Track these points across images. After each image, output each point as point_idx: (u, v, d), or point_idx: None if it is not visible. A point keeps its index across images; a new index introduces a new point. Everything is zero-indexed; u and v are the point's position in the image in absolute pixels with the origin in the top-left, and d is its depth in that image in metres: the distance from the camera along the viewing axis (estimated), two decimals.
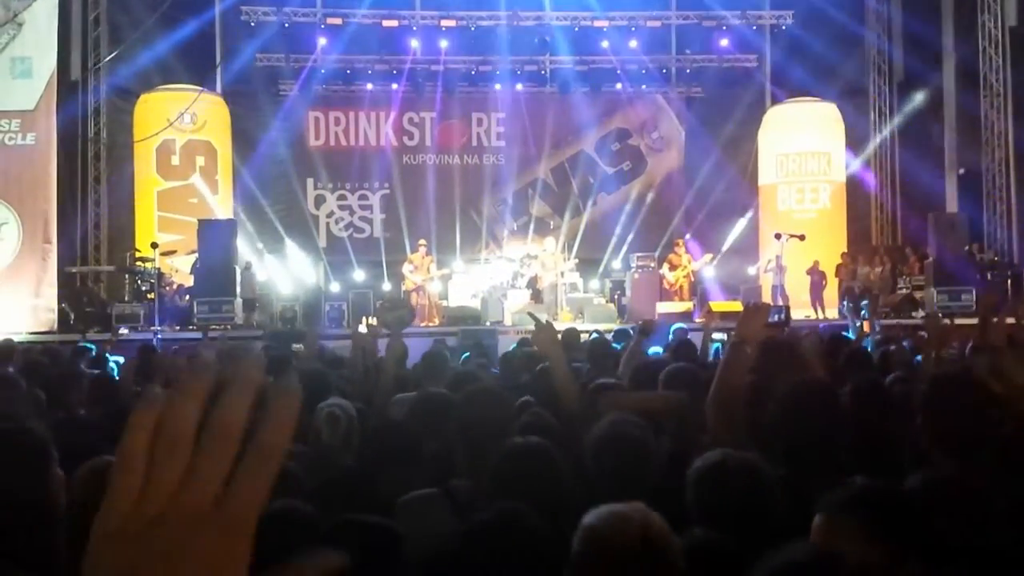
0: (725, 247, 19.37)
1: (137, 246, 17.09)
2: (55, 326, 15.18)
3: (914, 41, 19.92)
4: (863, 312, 14.23)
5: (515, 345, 8.02)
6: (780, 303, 15.22)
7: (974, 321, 6.99)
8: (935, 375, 2.93)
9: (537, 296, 17.11)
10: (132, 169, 18.35)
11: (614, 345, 7.29)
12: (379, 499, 3.20)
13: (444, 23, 20.08)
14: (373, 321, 15.07)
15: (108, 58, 18.88)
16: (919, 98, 19.69)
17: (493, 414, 3.37)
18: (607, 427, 3.02)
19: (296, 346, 7.39)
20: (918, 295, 16.35)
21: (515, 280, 17.67)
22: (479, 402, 3.45)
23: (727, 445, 3.02)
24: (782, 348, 4.70)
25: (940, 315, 8.85)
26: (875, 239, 20.81)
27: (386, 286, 18.93)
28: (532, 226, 21.21)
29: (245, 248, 17.80)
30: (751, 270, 19.09)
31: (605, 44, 20.49)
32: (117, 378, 6.18)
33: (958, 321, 9.90)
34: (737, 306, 13.79)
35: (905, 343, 6.43)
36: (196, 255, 15.84)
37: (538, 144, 21.24)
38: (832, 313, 16.45)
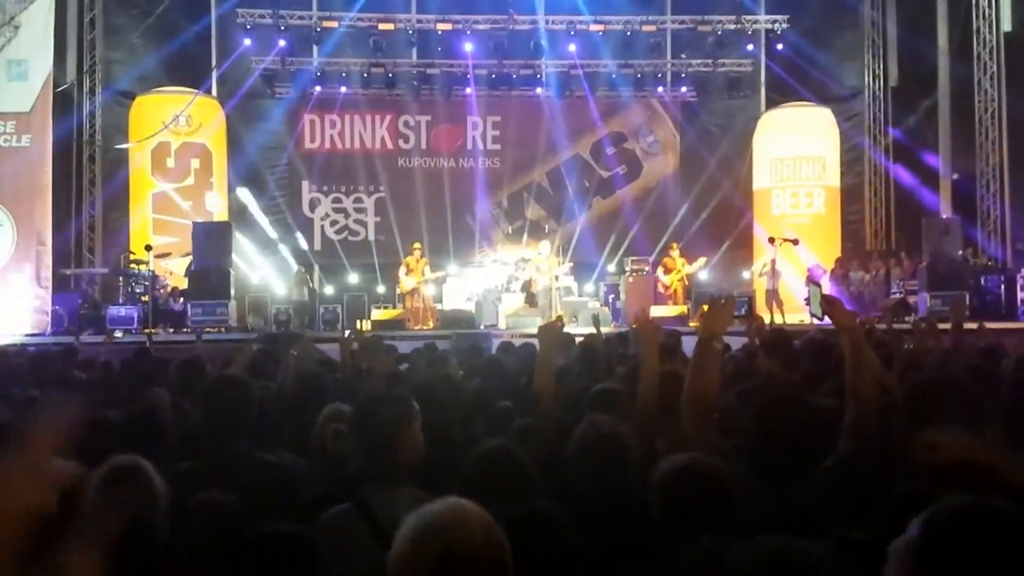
0: (719, 251, 19.40)
1: (131, 248, 17.10)
2: (49, 328, 15.17)
3: (909, 46, 19.98)
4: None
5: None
6: (753, 300, 15.27)
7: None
8: (916, 380, 2.94)
9: (532, 299, 17.12)
10: (127, 171, 18.37)
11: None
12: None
13: (440, 27, 20.08)
14: (367, 326, 15.09)
15: (104, 61, 18.89)
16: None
17: (446, 404, 3.39)
18: (588, 428, 3.06)
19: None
20: (912, 299, 16.38)
21: (510, 284, 17.69)
22: (430, 393, 3.47)
23: (700, 443, 3.05)
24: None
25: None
26: (869, 244, 20.85)
27: (380, 289, 18.94)
28: (527, 230, 21.22)
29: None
30: (745, 274, 19.12)
31: (600, 48, 20.51)
32: None
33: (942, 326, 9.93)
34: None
35: None
36: (190, 258, 15.85)
37: (533, 148, 21.27)
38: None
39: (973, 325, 7.00)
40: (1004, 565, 1.53)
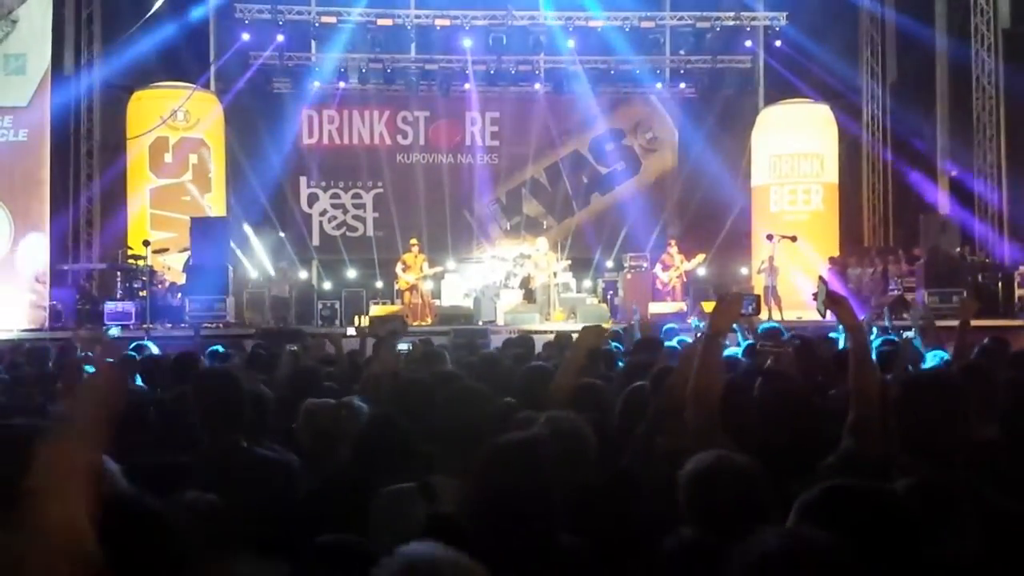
0: (717, 248, 19.40)
1: (129, 243, 17.07)
2: (46, 323, 15.16)
3: (907, 43, 19.97)
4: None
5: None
6: (761, 297, 15.23)
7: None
8: (908, 378, 2.95)
9: (530, 296, 17.10)
10: (124, 166, 18.32)
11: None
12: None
13: (439, 22, 20.06)
14: (365, 322, 15.11)
15: (101, 55, 18.85)
16: None
17: (475, 412, 3.40)
18: (544, 425, 3.08)
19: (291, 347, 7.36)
20: (909, 296, 16.39)
21: (508, 280, 17.68)
22: (461, 400, 3.48)
23: (705, 438, 3.05)
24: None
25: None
26: (867, 241, 20.85)
27: (379, 284, 18.95)
28: (525, 226, 21.23)
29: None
30: (743, 270, 19.11)
31: (599, 44, 20.49)
32: None
33: (945, 324, 9.90)
34: None
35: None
36: (188, 253, 15.84)
37: (532, 144, 21.26)
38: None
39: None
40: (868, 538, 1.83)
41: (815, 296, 3.38)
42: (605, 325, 10.23)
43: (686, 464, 2.65)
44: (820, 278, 3.43)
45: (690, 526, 2.56)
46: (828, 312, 3.44)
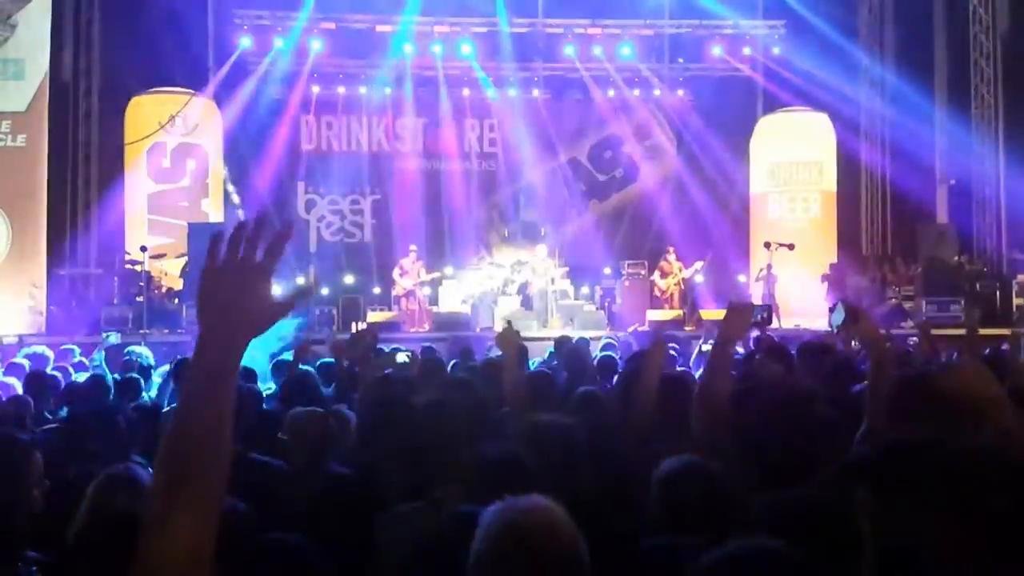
0: (715, 255, 19.38)
1: (127, 249, 17.04)
2: (44, 328, 15.14)
3: (905, 51, 19.99)
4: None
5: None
6: (772, 307, 15.22)
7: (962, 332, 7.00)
8: (898, 380, 2.92)
9: (527, 303, 17.09)
10: (122, 172, 18.29)
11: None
12: (373, 503, 3.21)
13: (437, 29, 20.09)
14: (362, 326, 15.12)
15: (100, 61, 18.85)
16: None
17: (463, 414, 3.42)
18: (532, 427, 3.06)
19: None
20: (907, 305, 16.38)
21: (506, 286, 17.66)
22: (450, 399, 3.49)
23: (710, 445, 3.05)
24: None
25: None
26: (865, 249, 20.84)
27: (376, 290, 18.92)
28: (523, 232, 21.19)
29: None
30: (741, 278, 19.11)
31: (598, 51, 20.51)
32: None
33: (947, 332, 9.86)
34: None
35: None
36: (186, 258, 15.82)
37: (530, 151, 21.23)
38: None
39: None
40: None
41: (832, 309, 3.35)
42: (602, 332, 10.24)
43: (659, 467, 2.78)
44: (843, 301, 3.40)
45: (660, 525, 2.72)
46: (839, 329, 3.40)
